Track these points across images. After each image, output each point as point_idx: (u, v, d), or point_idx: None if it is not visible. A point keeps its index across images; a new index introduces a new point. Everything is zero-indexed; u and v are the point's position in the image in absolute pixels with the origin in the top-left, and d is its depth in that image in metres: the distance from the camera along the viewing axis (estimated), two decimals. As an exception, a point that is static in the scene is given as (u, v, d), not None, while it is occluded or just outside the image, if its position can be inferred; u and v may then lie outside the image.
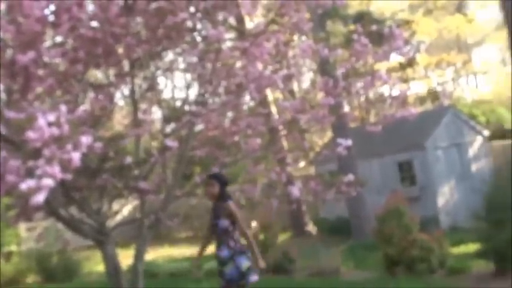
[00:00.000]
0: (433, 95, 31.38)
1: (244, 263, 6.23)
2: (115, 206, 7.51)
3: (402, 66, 25.37)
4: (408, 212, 10.72)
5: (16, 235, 16.85)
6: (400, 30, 7.49)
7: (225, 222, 6.21)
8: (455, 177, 18.80)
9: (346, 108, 13.85)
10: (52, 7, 5.34)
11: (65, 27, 5.21)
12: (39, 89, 5.62)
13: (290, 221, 20.50)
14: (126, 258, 8.22)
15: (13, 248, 16.57)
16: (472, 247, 11.67)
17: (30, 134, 3.83)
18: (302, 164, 19.68)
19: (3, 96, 5.61)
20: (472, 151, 19.78)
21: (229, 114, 7.71)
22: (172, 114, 6.95)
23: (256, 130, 7.53)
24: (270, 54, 6.93)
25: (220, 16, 6.46)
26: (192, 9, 6.25)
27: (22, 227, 17.23)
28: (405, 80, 27.71)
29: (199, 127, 7.18)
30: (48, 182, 3.70)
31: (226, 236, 6.24)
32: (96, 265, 14.98)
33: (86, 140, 4.09)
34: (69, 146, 3.97)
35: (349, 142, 7.30)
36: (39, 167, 3.79)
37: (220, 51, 6.50)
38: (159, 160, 6.67)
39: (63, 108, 4.07)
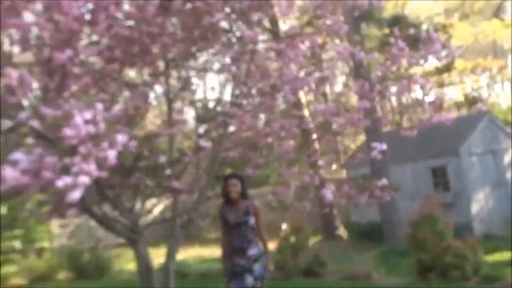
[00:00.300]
0: (471, 101, 30.93)
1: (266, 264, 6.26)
2: (148, 205, 7.54)
3: (439, 71, 25.05)
4: (442, 218, 10.57)
5: (48, 231, 17.08)
6: (438, 34, 7.39)
7: (252, 220, 6.17)
8: (489, 184, 18.48)
9: (379, 113, 13.72)
10: (89, 6, 5.38)
11: (102, 26, 5.23)
12: (74, 87, 5.66)
13: (321, 225, 20.39)
14: (157, 257, 8.24)
15: (45, 244, 16.79)
16: (506, 255, 11.46)
17: (67, 131, 3.86)
18: (334, 167, 19.58)
19: (40, 93, 5.68)
20: (507, 158, 19.42)
21: (263, 115, 7.69)
22: (206, 114, 6.95)
23: (290, 132, 7.50)
24: (305, 56, 6.89)
25: (255, 17, 6.44)
26: (227, 9, 6.25)
27: (54, 224, 17.43)
28: (441, 85, 27.39)
29: (232, 128, 7.17)
30: (84, 179, 3.72)
31: (253, 234, 6.21)
32: (126, 263, 15.09)
33: (121, 138, 4.10)
34: (105, 144, 3.99)
35: (384, 146, 7.23)
36: (76, 164, 3.81)
37: (255, 53, 6.48)
38: (192, 160, 6.67)
39: (100, 106, 4.09)
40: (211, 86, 8.57)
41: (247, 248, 6.16)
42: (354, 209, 19.00)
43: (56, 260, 15.56)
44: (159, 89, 7.23)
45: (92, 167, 3.75)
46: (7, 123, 5.40)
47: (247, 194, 6.30)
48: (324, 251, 12.90)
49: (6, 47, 5.41)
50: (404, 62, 7.32)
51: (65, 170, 3.84)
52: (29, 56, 5.70)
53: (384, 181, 7.35)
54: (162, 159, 6.35)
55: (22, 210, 9.40)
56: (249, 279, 6.17)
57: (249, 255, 6.15)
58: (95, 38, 5.86)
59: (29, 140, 5.67)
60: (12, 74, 4.40)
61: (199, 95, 8.02)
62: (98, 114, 4.03)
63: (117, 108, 5.19)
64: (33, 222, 15.53)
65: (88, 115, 4.00)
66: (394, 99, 27.12)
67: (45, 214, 6.54)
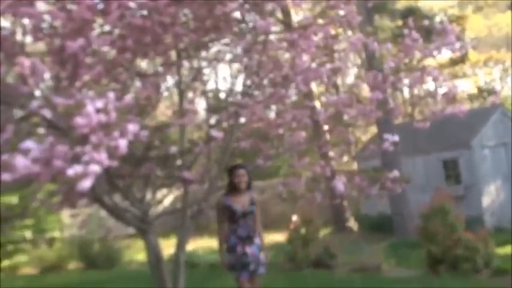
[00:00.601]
0: (484, 93, 30.72)
1: None
2: (158, 195, 7.54)
3: (453, 63, 24.88)
4: (453, 210, 10.52)
5: (59, 221, 17.14)
6: (452, 26, 7.33)
7: (255, 210, 6.20)
8: (501, 176, 18.38)
9: (391, 104, 13.64)
10: (102, -5, 5.36)
11: (114, 15, 5.20)
12: (86, 77, 5.65)
13: (331, 217, 20.37)
14: (167, 248, 8.25)
15: (56, 234, 16.86)
16: (517, 248, 11.40)
17: (78, 120, 3.84)
18: (345, 159, 19.54)
19: (52, 83, 5.68)
20: (519, 151, 19.31)
21: (274, 106, 7.65)
22: (218, 105, 6.93)
23: (301, 123, 7.46)
24: (318, 47, 6.84)
25: (268, 7, 6.39)
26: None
27: (65, 214, 17.50)
28: (454, 77, 27.22)
29: (244, 119, 7.14)
30: (94, 168, 3.70)
31: (254, 224, 6.22)
32: (136, 254, 15.15)
33: (132, 127, 4.09)
34: (116, 133, 3.97)
35: (396, 138, 7.18)
36: (86, 153, 3.80)
37: (268, 43, 6.44)
38: (203, 150, 6.66)
39: (111, 95, 4.07)
40: (223, 77, 8.55)
41: (253, 236, 6.17)
42: (365, 201, 18.94)
43: (66, 250, 15.64)
44: (170, 79, 7.20)
45: (102, 156, 3.74)
46: (19, 113, 5.42)
47: (251, 184, 6.31)
48: (334, 243, 12.89)
49: (18, 36, 5.41)
50: (417, 54, 7.26)
51: (76, 159, 3.83)
52: (41, 46, 5.70)
53: (395, 173, 7.31)
54: (173, 149, 6.35)
55: (33, 200, 9.42)
56: (262, 269, 6.19)
57: (257, 244, 6.16)
58: (107, 27, 5.85)
59: (41, 130, 5.69)
60: (25, 63, 4.39)
61: (211, 86, 7.98)
62: (109, 103, 4.02)
63: (128, 97, 5.18)
64: (44, 212, 15.58)
65: (99, 104, 3.98)
66: (406, 91, 27.04)
67: (56, 204, 6.55)
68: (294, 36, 6.22)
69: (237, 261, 6.16)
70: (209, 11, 5.81)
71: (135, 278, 12.07)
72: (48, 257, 15.46)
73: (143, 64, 7.47)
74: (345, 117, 7.83)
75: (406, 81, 7.77)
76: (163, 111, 11.98)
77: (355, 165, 21.15)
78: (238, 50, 6.75)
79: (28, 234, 15.77)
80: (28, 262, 15.67)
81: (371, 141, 18.92)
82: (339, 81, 26.69)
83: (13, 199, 13.11)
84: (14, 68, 4.56)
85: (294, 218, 12.67)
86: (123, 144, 3.94)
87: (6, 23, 5.28)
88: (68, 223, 17.73)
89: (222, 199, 6.32)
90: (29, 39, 5.39)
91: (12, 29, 5.26)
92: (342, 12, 6.63)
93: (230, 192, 6.27)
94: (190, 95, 7.11)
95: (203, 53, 6.98)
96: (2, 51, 4.80)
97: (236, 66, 7.21)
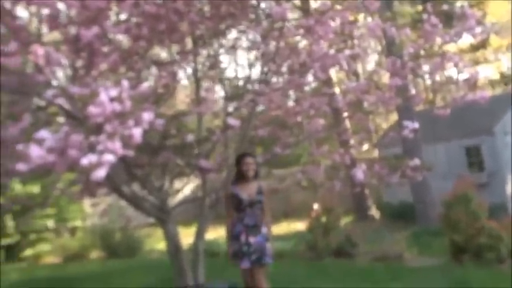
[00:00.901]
0: (507, 78, 30.27)
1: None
2: (177, 184, 7.52)
3: (474, 48, 24.51)
4: (476, 198, 10.36)
5: (81, 211, 17.28)
6: (472, 11, 7.19)
7: (263, 200, 6.15)
8: (525, 163, 18.12)
9: (412, 91, 13.49)
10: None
11: (128, 3, 5.16)
12: (103, 66, 5.62)
13: (353, 205, 20.27)
14: (189, 236, 8.24)
15: (78, 223, 17.01)
16: (542, 236, 11.18)
17: (92, 109, 3.81)
18: (366, 146, 19.39)
19: (69, 72, 5.66)
20: (543, 137, 19.00)
21: (292, 94, 7.58)
22: (235, 92, 6.87)
23: (320, 111, 7.38)
24: (335, 33, 6.74)
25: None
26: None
27: (87, 203, 17.64)
28: (476, 63, 26.85)
29: (261, 107, 7.08)
30: (109, 157, 3.67)
31: (262, 214, 6.18)
32: (157, 243, 15.19)
33: (147, 116, 4.05)
34: (130, 122, 3.94)
35: (416, 125, 7.08)
36: (101, 142, 3.77)
37: (284, 29, 6.36)
38: (220, 139, 6.62)
39: (126, 83, 4.03)
40: (240, 64, 8.49)
41: (260, 226, 6.13)
42: (387, 189, 18.78)
43: (88, 239, 15.76)
44: (188, 67, 7.15)
45: (117, 145, 3.71)
46: (38, 102, 5.42)
47: (259, 173, 6.30)
48: (355, 231, 12.80)
49: (34, 25, 5.40)
50: (438, 39, 7.14)
51: (91, 148, 3.80)
52: (56, 35, 5.68)
53: (416, 161, 7.22)
54: (190, 137, 6.31)
55: (53, 189, 9.48)
56: (268, 259, 6.15)
57: (263, 233, 6.12)
58: (123, 16, 5.81)
59: (60, 119, 5.69)
60: (38, 52, 4.36)
61: (230, 73, 7.91)
62: (123, 92, 3.98)
63: (144, 86, 5.15)
64: (65, 202, 15.72)
65: (114, 93, 3.95)
66: (427, 77, 26.75)
67: (76, 193, 6.56)
68: (311, 22, 6.13)
69: (239, 249, 6.13)
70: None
71: (156, 267, 12.10)
72: (71, 246, 15.61)
73: (159, 52, 7.44)
74: (365, 104, 7.74)
75: (426, 67, 7.66)
76: (183, 100, 11.97)
77: (376, 153, 20.99)
78: (255, 36, 6.68)
79: (50, 223, 15.93)
80: (51, 251, 15.83)
81: (391, 128, 18.76)
82: (359, 68, 26.50)
83: (35, 188, 13.24)
84: (29, 57, 4.53)
85: (315, 206, 12.60)
86: (137, 133, 3.90)
87: (23, 12, 5.27)
88: (89, 212, 17.89)
89: (230, 187, 6.28)
90: (45, 28, 5.37)
91: (27, 18, 5.25)
92: (359, -3, 6.54)
93: (238, 181, 6.22)
94: (207, 83, 7.06)
95: (220, 41, 6.92)
96: (18, 40, 4.77)
97: (253, 53, 7.13)
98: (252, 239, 6.05)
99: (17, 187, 13.19)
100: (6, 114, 5.37)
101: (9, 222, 14.51)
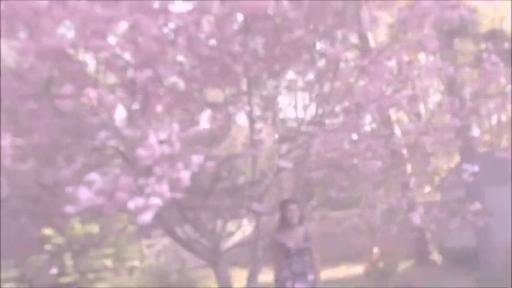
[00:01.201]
0: None
1: None
2: (231, 227, 7.45)
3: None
4: (543, 244, 9.90)
5: (140, 251, 17.38)
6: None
7: (310, 246, 6.00)
8: None
9: (476, 132, 13.12)
10: (172, 26, 5.37)
11: (181, 45, 5.19)
12: (158, 108, 5.65)
13: (414, 249, 19.70)
14: (242, 279, 8.12)
15: (136, 263, 17.10)
16: None
17: (141, 152, 3.81)
18: (427, 189, 18.90)
19: (124, 114, 5.73)
20: None
21: (349, 135, 7.44)
22: (288, 134, 6.80)
23: (377, 152, 7.21)
24: (392, 73, 6.61)
25: (339, 34, 6.25)
26: (311, 26, 6.08)
27: (145, 243, 17.75)
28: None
29: (316, 148, 6.97)
30: (156, 200, 3.65)
31: (311, 259, 6.02)
32: (214, 284, 15.08)
33: (197, 159, 4.02)
34: (180, 165, 3.91)
35: (476, 168, 6.83)
36: (149, 185, 3.75)
37: (338, 70, 6.28)
38: (273, 181, 6.52)
39: (175, 126, 4.03)
40: (295, 105, 8.42)
41: (308, 272, 5.97)
42: (449, 233, 18.18)
43: (146, 279, 15.80)
44: (243, 108, 7.14)
45: (164, 188, 3.68)
46: (90, 143, 5.49)
47: (302, 219, 6.16)
48: (414, 277, 12.40)
49: (91, 69, 5.49)
50: (501, 79, 6.93)
51: (140, 191, 3.79)
52: (112, 78, 5.77)
53: (477, 205, 6.93)
54: (241, 180, 6.25)
55: (111, 230, 9.57)
56: None
57: (310, 280, 5.96)
58: (180, 58, 5.85)
59: (116, 161, 5.74)
60: (91, 94, 4.41)
61: (284, 114, 7.86)
62: (173, 134, 3.97)
63: (195, 128, 5.16)
64: (124, 241, 15.84)
65: (163, 135, 3.95)
66: (491, 117, 26.12)
67: (133, 233, 6.56)
68: (365, 63, 6.02)
69: None
70: (277, 38, 5.73)
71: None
72: (129, 286, 15.65)
73: (215, 93, 7.46)
74: (427, 145, 7.54)
75: (488, 107, 7.42)
76: (242, 141, 11.97)
77: (438, 196, 20.41)
78: (310, 77, 6.62)
79: (109, 262, 16.05)
80: (109, 290, 15.93)
81: (452, 171, 18.26)
82: (421, 108, 26.05)
83: (94, 228, 13.39)
84: (82, 99, 4.60)
85: (375, 250, 12.32)
86: (186, 175, 3.88)
87: (83, 56, 5.37)
88: (146, 253, 18.00)
89: (275, 236, 6.15)
90: (101, 72, 5.46)
91: (84, 61, 5.35)
92: (417, 36, 6.40)
93: (282, 228, 6.09)
94: (259, 125, 7.00)
95: (274, 82, 6.89)
96: (73, 83, 4.85)
97: (306, 94, 7.06)
98: (298, 285, 5.92)
99: (77, 226, 13.38)
100: (62, 156, 5.47)
101: (69, 262, 14.69)
